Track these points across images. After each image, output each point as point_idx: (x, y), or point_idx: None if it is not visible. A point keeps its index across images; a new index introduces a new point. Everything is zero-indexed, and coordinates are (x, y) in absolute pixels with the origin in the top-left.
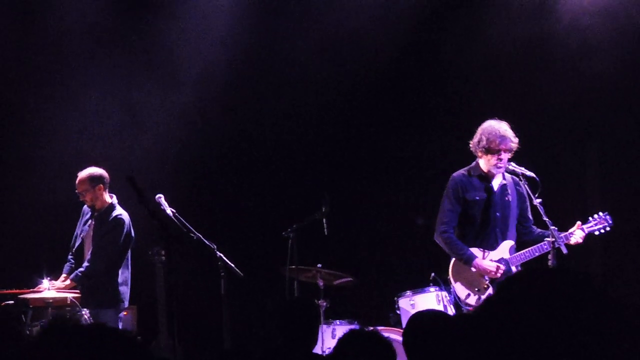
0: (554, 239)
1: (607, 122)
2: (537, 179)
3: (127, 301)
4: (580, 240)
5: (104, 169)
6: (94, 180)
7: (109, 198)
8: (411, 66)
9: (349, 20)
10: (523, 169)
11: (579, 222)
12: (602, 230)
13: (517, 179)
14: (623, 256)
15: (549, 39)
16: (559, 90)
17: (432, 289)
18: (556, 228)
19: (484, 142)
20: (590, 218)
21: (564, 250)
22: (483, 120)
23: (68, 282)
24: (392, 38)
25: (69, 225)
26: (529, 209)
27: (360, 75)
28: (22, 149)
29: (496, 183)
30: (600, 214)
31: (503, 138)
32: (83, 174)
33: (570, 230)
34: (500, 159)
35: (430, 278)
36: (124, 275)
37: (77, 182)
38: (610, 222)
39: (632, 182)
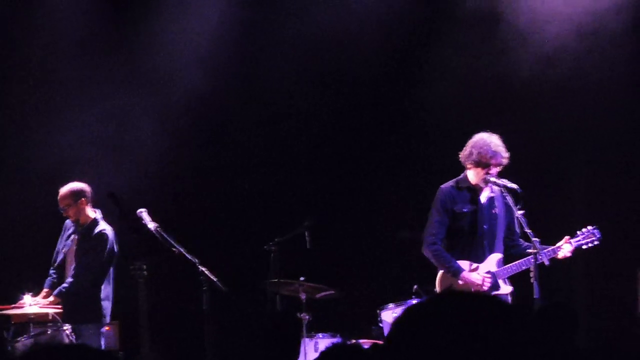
0: (535, 251)
1: (593, 134)
2: (519, 190)
3: (109, 316)
4: (569, 254)
5: (85, 183)
6: (76, 194)
7: (93, 213)
8: (396, 79)
9: (333, 32)
10: (505, 180)
11: (567, 237)
12: (590, 244)
13: (505, 192)
14: (607, 269)
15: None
16: (545, 102)
17: (414, 301)
18: (538, 240)
19: (475, 156)
20: (579, 232)
21: (546, 263)
22: (470, 132)
23: (52, 298)
24: (372, 47)
25: (50, 241)
26: (515, 222)
27: (344, 89)
28: (2, 163)
29: (484, 195)
30: (589, 227)
31: (495, 153)
32: (64, 189)
33: (558, 244)
34: (490, 174)
35: (413, 290)
36: (106, 290)
37: (59, 197)
38: (598, 236)
39: (618, 194)
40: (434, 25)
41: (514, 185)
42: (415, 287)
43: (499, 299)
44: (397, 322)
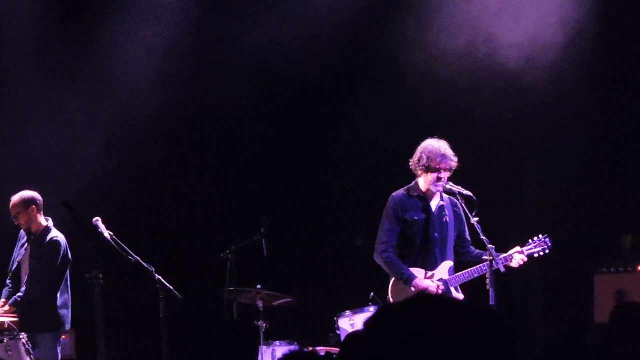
0: (491, 258)
1: (545, 142)
2: (474, 198)
3: (69, 324)
4: (522, 263)
5: (37, 191)
6: (26, 202)
7: (45, 221)
8: (347, 83)
9: (286, 39)
10: (460, 188)
11: (518, 247)
12: (542, 253)
13: (455, 200)
14: (559, 275)
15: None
16: (498, 109)
17: (371, 308)
18: (494, 247)
19: (424, 161)
20: (530, 240)
21: (502, 270)
22: (422, 139)
23: (7, 307)
24: (322, 55)
25: (7, 250)
26: (466, 229)
27: (297, 96)
28: None
29: (434, 204)
30: (540, 236)
31: (443, 157)
32: (15, 197)
33: (509, 253)
34: (440, 178)
35: (370, 298)
36: (63, 298)
37: (10, 206)
38: (549, 244)
39: (570, 201)
40: (387, 20)
41: (469, 193)
42: (372, 294)
43: (468, 304)
44: (369, 323)
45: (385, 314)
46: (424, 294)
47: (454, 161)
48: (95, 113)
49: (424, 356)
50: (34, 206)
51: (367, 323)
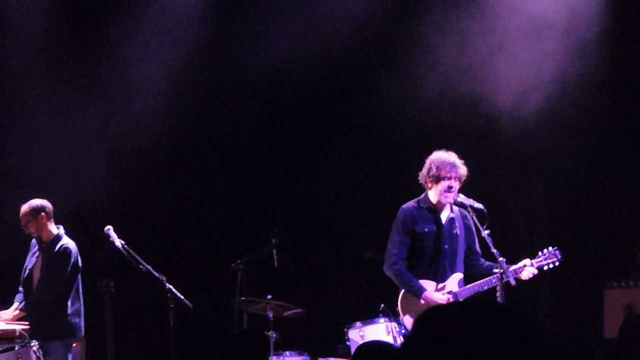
0: (502, 270)
1: (554, 154)
2: (485, 210)
3: (82, 332)
4: (531, 275)
5: (48, 200)
6: (35, 210)
7: (55, 229)
8: (359, 95)
9: (293, 46)
10: (471, 200)
11: (527, 260)
12: (551, 265)
13: (465, 212)
14: (570, 288)
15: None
16: (506, 122)
17: (381, 320)
18: (504, 260)
19: (434, 171)
20: (540, 253)
21: (513, 283)
22: (431, 152)
23: (17, 312)
24: (334, 67)
25: (19, 258)
26: (476, 242)
27: (308, 109)
28: None
29: (444, 216)
30: (550, 248)
31: (452, 165)
32: (25, 206)
33: (519, 265)
34: (450, 187)
35: (380, 309)
36: (74, 306)
37: (20, 215)
38: (559, 256)
39: (579, 215)
40: (398, 25)
41: (480, 205)
42: (382, 305)
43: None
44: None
45: (433, 316)
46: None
47: (463, 170)
48: (106, 123)
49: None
50: (43, 214)
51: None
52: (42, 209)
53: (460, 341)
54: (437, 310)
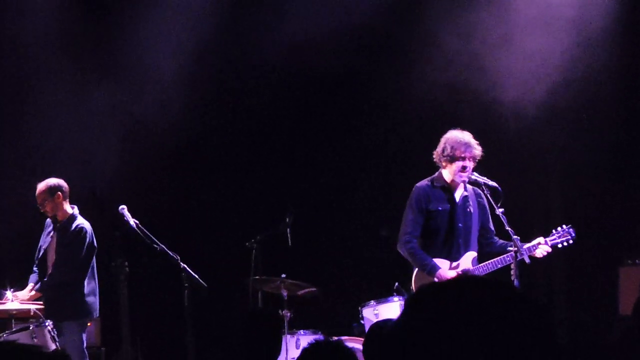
0: (516, 249)
1: (569, 132)
2: (499, 188)
3: (97, 311)
4: (545, 254)
5: (64, 179)
6: (52, 189)
7: (70, 209)
8: (373, 76)
9: (307, 31)
10: (485, 178)
11: (541, 238)
12: (565, 243)
13: (479, 191)
14: (584, 267)
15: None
16: (522, 101)
17: (395, 298)
18: (518, 238)
19: (448, 150)
20: (554, 231)
21: (527, 261)
22: (446, 130)
23: (33, 292)
24: (350, 50)
25: (33, 237)
26: (490, 220)
27: (322, 87)
28: None
29: (458, 194)
30: (564, 226)
31: (467, 145)
32: (41, 184)
33: (532, 243)
34: (465, 167)
35: (394, 288)
36: (90, 285)
37: (36, 193)
38: (573, 235)
39: (593, 194)
40: (414, 10)
41: (494, 183)
42: (396, 284)
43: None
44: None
45: (426, 293)
46: (467, 275)
47: (477, 150)
48: (121, 102)
49: (462, 338)
50: (59, 193)
51: (409, 301)
52: (59, 188)
53: (455, 319)
54: (432, 286)
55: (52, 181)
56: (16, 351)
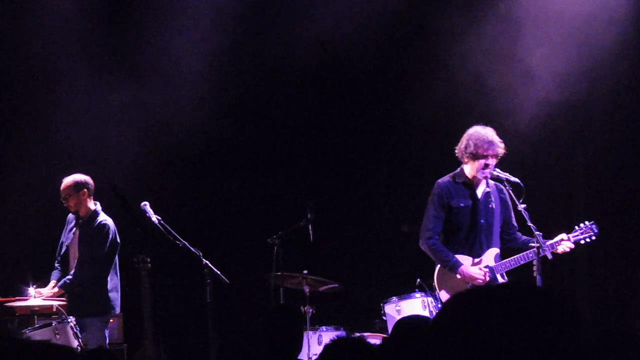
0: (538, 245)
1: (593, 128)
2: (522, 184)
3: (119, 307)
4: (568, 250)
5: (89, 176)
6: (79, 185)
7: (93, 205)
8: (396, 72)
9: (329, 25)
10: (507, 174)
11: (564, 234)
12: (588, 239)
13: (501, 186)
14: (606, 263)
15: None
16: (544, 96)
17: (417, 294)
18: (541, 234)
19: (471, 148)
20: (577, 227)
21: (550, 257)
22: (468, 125)
23: (56, 289)
24: (371, 46)
25: (54, 233)
26: (512, 216)
27: (342, 82)
28: (4, 158)
29: (480, 190)
30: (587, 222)
31: (490, 143)
32: (68, 179)
33: (555, 239)
34: (487, 165)
35: (416, 284)
36: (112, 282)
37: (62, 187)
38: (596, 231)
39: (617, 189)
40: (430, 18)
41: (516, 179)
42: (418, 280)
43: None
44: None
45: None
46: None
47: (500, 147)
48: (144, 99)
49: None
50: (85, 190)
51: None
52: (85, 185)
53: (489, 323)
54: (468, 292)
55: (80, 177)
56: (54, 351)
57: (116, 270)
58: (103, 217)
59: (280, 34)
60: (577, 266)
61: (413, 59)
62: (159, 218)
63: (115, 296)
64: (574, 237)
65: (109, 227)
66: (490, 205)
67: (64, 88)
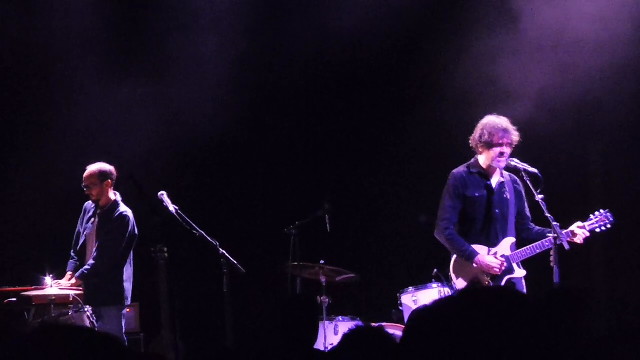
0: (556, 235)
1: (609, 118)
2: (540, 175)
3: (130, 298)
4: (583, 238)
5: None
6: (104, 175)
7: (113, 195)
8: (411, 62)
9: (344, 20)
10: (526, 165)
11: (579, 222)
12: (603, 228)
13: (515, 177)
14: (623, 253)
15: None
16: (561, 85)
17: (434, 285)
18: (558, 224)
19: (486, 137)
20: (592, 215)
21: (566, 247)
22: (483, 115)
23: (74, 280)
24: (389, 36)
25: (70, 223)
26: (527, 206)
27: (360, 73)
28: (22, 147)
29: (495, 180)
30: (602, 211)
31: (505, 131)
32: (93, 167)
33: (570, 229)
34: (503, 153)
35: (433, 274)
36: (127, 272)
37: (85, 175)
38: (611, 219)
39: (634, 178)
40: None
41: (534, 170)
42: (435, 270)
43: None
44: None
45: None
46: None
47: (515, 135)
48: (162, 90)
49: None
50: (109, 180)
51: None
52: (110, 175)
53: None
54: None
55: (105, 167)
56: (68, 331)
57: (131, 261)
58: (124, 208)
59: (293, 25)
60: (592, 260)
61: (433, 52)
62: (177, 208)
63: (128, 287)
64: (589, 225)
65: (129, 219)
66: (504, 196)
67: (77, 78)
